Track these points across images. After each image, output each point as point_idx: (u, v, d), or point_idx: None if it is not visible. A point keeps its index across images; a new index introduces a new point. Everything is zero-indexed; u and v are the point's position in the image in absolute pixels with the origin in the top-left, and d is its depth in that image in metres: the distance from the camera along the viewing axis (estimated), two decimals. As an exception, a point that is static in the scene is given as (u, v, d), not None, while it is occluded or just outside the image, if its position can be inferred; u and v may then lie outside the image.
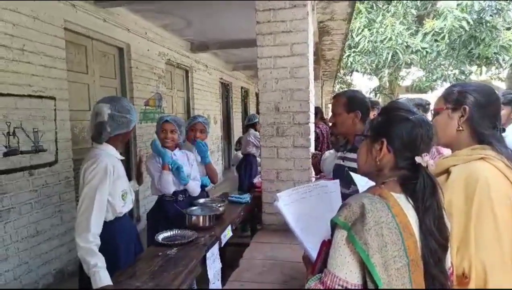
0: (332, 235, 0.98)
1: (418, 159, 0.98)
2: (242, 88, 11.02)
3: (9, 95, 2.94)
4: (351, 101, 2.07)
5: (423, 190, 0.97)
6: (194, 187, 2.68)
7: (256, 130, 5.26)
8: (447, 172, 1.22)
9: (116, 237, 1.84)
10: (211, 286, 2.12)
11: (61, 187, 3.50)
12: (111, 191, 1.77)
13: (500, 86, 12.94)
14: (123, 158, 1.98)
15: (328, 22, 4.78)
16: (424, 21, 9.84)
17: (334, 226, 0.97)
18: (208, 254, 2.10)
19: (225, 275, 2.18)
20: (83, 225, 1.65)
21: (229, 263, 2.80)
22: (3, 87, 2.89)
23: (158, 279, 1.69)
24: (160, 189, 2.57)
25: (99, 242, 1.66)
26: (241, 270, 2.04)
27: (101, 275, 1.57)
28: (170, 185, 2.56)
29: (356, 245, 0.89)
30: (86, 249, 1.61)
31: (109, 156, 1.83)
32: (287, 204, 1.41)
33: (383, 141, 1.03)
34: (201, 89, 7.36)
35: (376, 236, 0.89)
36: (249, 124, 5.52)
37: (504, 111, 2.68)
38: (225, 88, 9.51)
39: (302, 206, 1.42)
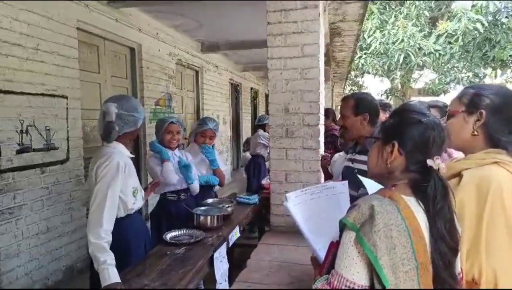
0: (340, 236, 0.97)
1: (429, 162, 0.97)
2: (252, 89, 11.03)
3: (23, 94, 2.99)
4: (359, 104, 2.05)
5: (434, 193, 0.96)
6: (196, 187, 2.77)
7: (265, 131, 5.25)
8: (459, 175, 1.19)
9: (127, 234, 1.86)
10: (218, 286, 2.12)
11: (72, 185, 3.54)
12: (122, 188, 1.80)
13: (515, 89, 12.68)
14: (133, 156, 2.00)
15: (339, 23, 4.75)
16: (437, 23, 9.72)
17: (342, 227, 0.97)
18: (215, 254, 2.10)
19: (232, 276, 2.18)
20: (95, 221, 1.66)
21: (236, 264, 2.80)
22: (18, 85, 2.95)
23: (166, 277, 1.70)
24: (165, 180, 2.59)
25: (110, 239, 1.68)
26: (248, 271, 2.04)
27: (110, 272, 1.58)
28: (173, 174, 2.59)
29: (364, 247, 0.89)
30: (97, 245, 1.62)
31: (120, 154, 1.85)
32: (296, 204, 1.41)
33: (395, 144, 1.01)
34: (211, 89, 7.39)
35: (385, 238, 0.88)
36: (259, 125, 5.51)
37: None
38: (235, 89, 9.53)
39: (311, 207, 1.42)
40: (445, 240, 0.94)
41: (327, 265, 1.05)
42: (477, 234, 1.08)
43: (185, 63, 6.25)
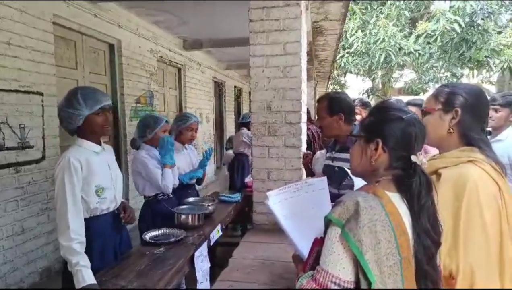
0: (325, 232, 0.98)
1: (414, 158, 0.99)
2: (235, 87, 10.98)
3: (-5, 90, 2.88)
4: (332, 104, 2.07)
5: (419, 189, 0.98)
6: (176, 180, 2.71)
7: (249, 129, 5.22)
8: (435, 173, 1.23)
9: (91, 238, 1.70)
10: (199, 285, 2.09)
11: (49, 185, 3.43)
12: (83, 187, 1.69)
13: (491, 89, 13.10)
14: (102, 149, 1.84)
15: (322, 22, 4.77)
16: (417, 24, 9.91)
17: (327, 223, 0.97)
18: (196, 254, 2.07)
19: (215, 275, 2.15)
20: (62, 225, 1.60)
21: (219, 263, 2.77)
22: (-11, 81, 2.83)
23: (144, 278, 1.66)
24: (163, 188, 2.53)
25: (83, 239, 1.61)
26: (230, 270, 2.02)
27: (84, 274, 1.52)
28: (171, 184, 2.57)
29: (350, 242, 0.90)
30: (67, 248, 1.57)
31: (82, 150, 1.74)
32: (277, 203, 1.41)
33: (378, 141, 1.03)
34: (193, 87, 7.31)
35: (370, 233, 0.89)
36: (242, 123, 5.48)
37: (502, 113, 2.65)
38: (218, 87, 9.46)
39: (292, 205, 1.42)
40: (429, 234, 0.96)
41: (311, 261, 1.05)
42: (455, 231, 1.12)
43: (167, 60, 6.16)
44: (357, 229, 0.89)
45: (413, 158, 0.99)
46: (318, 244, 1.02)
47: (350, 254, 0.91)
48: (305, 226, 1.27)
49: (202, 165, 3.01)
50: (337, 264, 0.92)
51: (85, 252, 1.65)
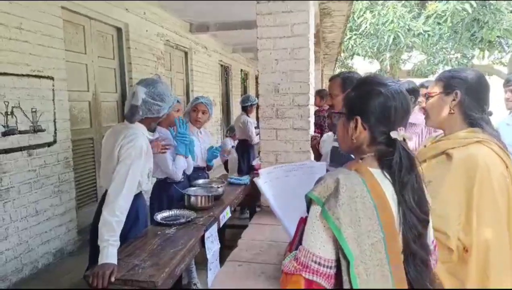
0: (308, 211, 0.96)
1: (393, 134, 0.95)
2: (242, 70, 10.92)
3: (7, 74, 2.91)
4: (346, 82, 2.05)
5: (399, 166, 0.94)
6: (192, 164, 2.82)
7: (247, 114, 5.17)
8: (444, 153, 1.30)
9: (138, 209, 1.98)
10: (209, 265, 2.14)
11: (60, 168, 3.50)
12: (142, 170, 1.86)
13: (502, 70, 12.83)
14: (153, 138, 2.05)
15: (329, 4, 4.69)
16: (426, 4, 9.67)
17: (309, 202, 0.95)
18: (206, 234, 2.12)
19: (223, 256, 2.20)
20: (112, 198, 1.70)
21: (228, 245, 2.82)
22: (1, 66, 2.86)
23: (156, 257, 1.71)
24: (172, 173, 2.58)
25: (123, 219, 1.71)
26: (239, 251, 2.06)
27: (109, 252, 1.59)
28: (181, 171, 2.63)
29: (328, 220, 0.87)
30: (107, 222, 1.64)
31: (144, 137, 1.90)
32: (267, 181, 1.40)
33: (357, 119, 0.99)
34: (200, 71, 7.29)
35: (350, 211, 0.87)
36: (243, 107, 5.40)
37: None
38: (225, 71, 9.42)
39: (284, 184, 1.41)
40: (414, 212, 0.94)
41: (297, 241, 1.03)
42: (469, 209, 1.19)
43: (174, 44, 6.13)
44: (336, 207, 0.87)
45: (392, 134, 0.95)
46: (303, 223, 0.99)
47: (329, 232, 0.88)
48: (295, 206, 1.25)
49: (212, 153, 3.05)
50: (317, 242, 0.90)
51: (135, 219, 1.93)
